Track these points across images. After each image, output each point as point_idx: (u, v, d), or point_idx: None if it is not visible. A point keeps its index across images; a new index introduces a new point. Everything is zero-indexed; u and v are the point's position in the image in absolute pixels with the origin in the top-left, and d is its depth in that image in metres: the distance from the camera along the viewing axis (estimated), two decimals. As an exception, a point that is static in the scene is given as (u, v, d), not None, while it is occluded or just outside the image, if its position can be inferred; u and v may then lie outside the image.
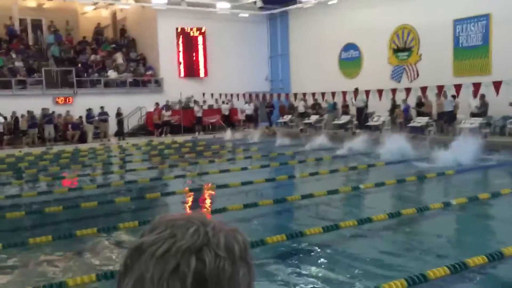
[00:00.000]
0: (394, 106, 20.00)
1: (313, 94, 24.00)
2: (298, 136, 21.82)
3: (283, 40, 29.14)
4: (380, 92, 20.39)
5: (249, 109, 26.03)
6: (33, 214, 8.90)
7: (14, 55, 25.24)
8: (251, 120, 26.13)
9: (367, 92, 21.10)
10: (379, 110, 20.90)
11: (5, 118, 21.06)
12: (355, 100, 21.75)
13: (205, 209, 8.64)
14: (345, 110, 22.62)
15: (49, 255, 6.68)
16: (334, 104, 23.47)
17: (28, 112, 21.47)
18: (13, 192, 11.25)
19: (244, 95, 26.36)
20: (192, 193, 10.27)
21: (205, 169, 13.35)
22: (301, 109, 24.91)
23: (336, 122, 22.74)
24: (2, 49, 25.49)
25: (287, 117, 25.66)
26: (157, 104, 24.48)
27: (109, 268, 5.88)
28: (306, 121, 23.60)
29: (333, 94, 22.80)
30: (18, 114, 21.42)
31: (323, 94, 23.51)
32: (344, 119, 22.44)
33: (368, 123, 20.74)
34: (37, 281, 5.68)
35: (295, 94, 25.70)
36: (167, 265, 0.65)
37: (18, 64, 24.55)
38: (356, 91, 21.73)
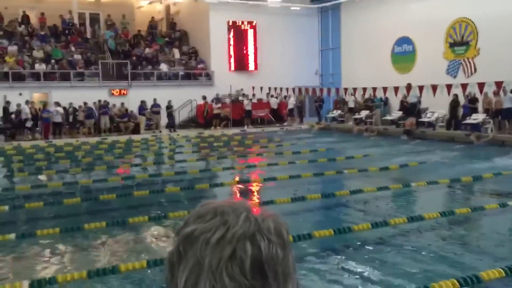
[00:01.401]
0: (456, 103, 19.11)
1: (364, 89, 23.58)
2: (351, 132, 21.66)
3: (334, 33, 28.76)
4: (434, 87, 19.77)
5: (290, 103, 26.01)
6: (88, 201, 9.27)
7: (73, 48, 26.27)
8: (292, 114, 26.09)
9: (421, 88, 20.50)
10: (433, 106, 20.26)
11: (64, 108, 21.99)
12: (408, 95, 21.19)
13: (253, 201, 8.70)
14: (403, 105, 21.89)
15: (103, 240, 6.95)
16: (386, 100, 22.97)
17: (85, 103, 22.33)
18: (70, 180, 11.75)
19: (293, 89, 26.27)
20: (240, 185, 10.36)
21: (253, 162, 13.44)
22: (351, 104, 24.57)
23: (387, 118, 22.27)
24: (62, 42, 26.58)
25: (336, 112, 25.39)
26: (204, 97, 24.85)
27: (158, 256, 6.04)
28: (356, 116, 23.25)
29: (385, 89, 22.29)
30: (75, 105, 22.31)
31: (374, 89, 23.05)
32: (395, 115, 21.92)
33: (421, 119, 20.17)
34: (90, 265, 5.92)
35: (346, 89, 25.34)
36: (224, 251, 0.67)
37: (77, 56, 25.54)
38: (409, 87, 21.16)
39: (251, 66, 28.07)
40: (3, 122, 21.02)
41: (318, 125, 24.74)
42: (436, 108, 20.16)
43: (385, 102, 23.01)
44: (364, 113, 23.07)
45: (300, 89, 26.42)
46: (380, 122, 22.34)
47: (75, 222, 7.69)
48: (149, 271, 5.54)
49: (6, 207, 8.70)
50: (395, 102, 22.69)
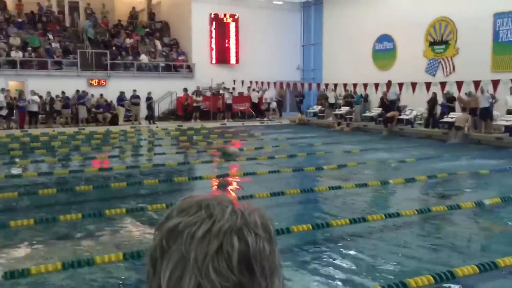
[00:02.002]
0: (434, 101, 19.36)
1: (345, 85, 23.71)
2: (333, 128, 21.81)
3: (316, 29, 28.81)
4: (414, 85, 19.99)
5: (266, 97, 26.17)
6: (64, 192, 9.10)
7: (51, 36, 25.75)
8: (268, 108, 26.23)
9: (400, 85, 20.71)
10: (412, 103, 20.51)
11: (40, 97, 21.56)
12: (388, 92, 21.40)
13: (232, 195, 8.67)
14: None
15: (78, 232, 6.84)
16: (366, 96, 23.15)
17: (63, 92, 21.95)
18: (46, 170, 11.54)
19: (275, 83, 26.27)
20: (219, 178, 10.31)
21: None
22: (331, 99, 24.70)
23: (366, 114, 22.46)
24: (39, 30, 26.04)
25: (317, 107, 25.49)
26: (185, 90, 24.69)
27: (134, 248, 5.97)
28: (336, 112, 23.38)
29: (365, 85, 22.47)
30: (53, 95, 21.90)
31: (355, 85, 23.20)
32: (375, 111, 22.12)
33: (400, 116, 20.40)
34: (65, 257, 5.82)
35: (326, 85, 25.44)
36: (210, 245, 0.65)
37: (55, 45, 25.05)
38: (389, 84, 21.36)
39: (233, 59, 27.94)
40: (-23, 110, 20.51)
41: (301, 117, 24.78)
42: (415, 106, 20.41)
43: (365, 98, 23.18)
44: (344, 109, 23.23)
45: (281, 84, 26.43)
46: (360, 118, 22.53)
47: (50, 213, 7.55)
48: (124, 264, 5.48)
49: (16, 193, 8.54)
50: (375, 98, 22.88)
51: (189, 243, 0.66)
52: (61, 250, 6.24)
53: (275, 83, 26.36)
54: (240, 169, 11.56)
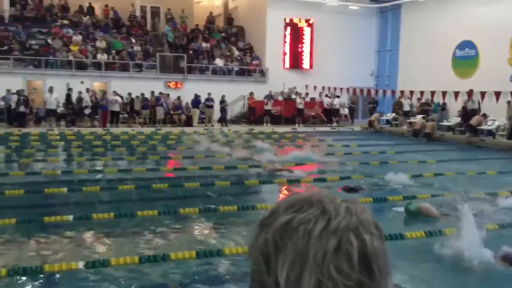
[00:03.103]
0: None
1: (422, 93, 22.90)
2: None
3: (393, 35, 28.11)
4: (497, 94, 18.93)
5: (335, 103, 25.76)
6: (141, 189, 9.51)
7: (133, 40, 27.07)
8: (335, 114, 25.79)
9: (482, 94, 19.70)
10: (493, 113, 19.41)
11: (121, 98, 22.71)
12: (469, 101, 20.43)
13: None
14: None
15: (154, 228, 7.12)
16: (444, 105, 22.23)
17: (142, 94, 23.00)
18: (125, 167, 12.13)
19: (348, 89, 25.94)
20: (290, 183, 10.31)
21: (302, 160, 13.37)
22: (406, 107, 23.97)
23: (444, 123, 21.56)
24: (123, 34, 27.46)
25: (390, 115, 24.83)
26: (251, 93, 25.04)
27: (207, 247, 6.14)
28: (411, 120, 22.65)
29: (444, 94, 21.58)
30: (133, 95, 23.00)
31: (432, 93, 22.35)
32: (453, 121, 21.19)
33: (481, 127, 19.40)
34: (141, 251, 6.09)
35: (402, 92, 24.72)
36: (328, 243, 0.64)
37: (136, 48, 26.30)
38: (470, 92, 20.39)
39: (306, 64, 27.91)
40: (65, 108, 21.96)
41: (373, 125, 24.25)
42: (497, 116, 19.31)
43: (443, 107, 22.26)
44: (419, 117, 22.43)
45: (354, 90, 26.04)
46: (437, 127, 21.64)
47: (128, 208, 7.94)
48: (197, 261, 5.64)
49: (65, 189, 9.11)
50: (453, 107, 21.92)
51: (307, 240, 0.65)
52: (137, 244, 6.54)
53: (348, 89, 26.01)
54: (309, 173, 11.51)
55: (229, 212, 7.61)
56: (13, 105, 20.72)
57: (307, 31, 27.89)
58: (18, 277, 5.04)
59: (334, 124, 25.47)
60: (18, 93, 20.96)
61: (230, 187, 9.86)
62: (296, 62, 27.76)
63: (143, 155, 14.25)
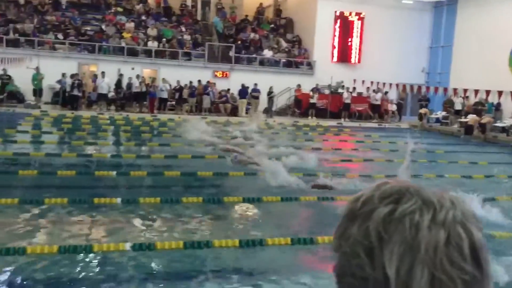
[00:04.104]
0: None
1: (476, 91, 22.07)
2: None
3: (447, 30, 27.18)
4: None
5: (376, 98, 25.17)
6: (187, 175, 9.65)
7: (183, 29, 27.43)
8: (376, 110, 25.22)
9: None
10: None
11: (170, 85, 23.12)
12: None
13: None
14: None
15: (198, 214, 7.23)
16: (498, 105, 21.36)
17: (190, 82, 23.34)
18: (171, 153, 12.32)
19: (397, 85, 25.35)
20: (334, 178, 10.19)
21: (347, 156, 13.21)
22: (458, 106, 23.19)
23: (497, 124, 20.71)
24: (174, 22, 27.89)
25: (440, 113, 24.11)
26: (298, 86, 24.86)
27: (250, 237, 6.17)
28: (462, 119, 21.89)
29: (500, 93, 20.71)
30: (181, 83, 23.35)
31: (487, 92, 21.49)
32: (508, 122, 20.33)
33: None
34: (186, 236, 6.20)
35: (455, 89, 23.89)
36: (438, 235, 0.63)
37: (186, 37, 26.64)
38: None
39: (354, 58, 27.47)
40: (116, 94, 22.57)
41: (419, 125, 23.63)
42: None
43: (497, 107, 21.39)
44: (471, 117, 21.64)
45: (404, 86, 25.43)
46: (490, 128, 20.83)
47: (174, 194, 8.09)
48: (238, 250, 5.68)
49: (114, 173, 9.39)
50: (509, 108, 21.03)
51: (415, 233, 0.63)
52: (182, 229, 6.67)
53: (397, 85, 25.42)
54: (354, 170, 11.35)
55: (270, 203, 7.61)
56: (68, 89, 21.47)
57: (357, 25, 27.41)
58: (69, 255, 5.24)
59: (384, 120, 24.99)
60: (73, 77, 21.71)
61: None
62: (344, 56, 27.37)
63: (188, 142, 14.45)
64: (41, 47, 23.63)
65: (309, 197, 8.11)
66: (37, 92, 21.63)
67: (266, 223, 7.21)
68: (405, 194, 0.67)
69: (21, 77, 21.37)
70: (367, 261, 0.65)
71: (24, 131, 15.00)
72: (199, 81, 23.74)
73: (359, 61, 27.37)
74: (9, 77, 21.42)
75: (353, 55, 27.45)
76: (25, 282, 4.71)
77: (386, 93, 25.60)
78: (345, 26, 27.28)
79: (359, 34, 27.39)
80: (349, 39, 27.34)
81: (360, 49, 27.40)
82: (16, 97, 21.61)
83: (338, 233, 0.69)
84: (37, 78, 21.54)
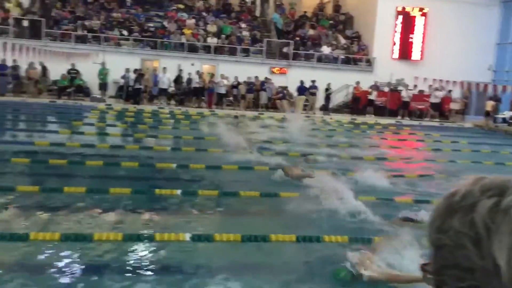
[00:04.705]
0: None
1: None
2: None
3: (517, 26, 25.85)
4: None
5: (436, 95, 24.25)
6: (243, 169, 9.73)
7: (242, 25, 27.70)
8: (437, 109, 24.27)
9: None
10: None
11: (228, 81, 23.44)
12: None
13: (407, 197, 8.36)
14: None
15: (256, 208, 7.30)
16: None
17: (248, 78, 23.55)
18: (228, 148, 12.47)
19: (461, 83, 24.40)
20: (393, 178, 9.98)
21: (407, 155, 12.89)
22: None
23: None
24: (233, 19, 28.21)
25: (507, 113, 22.99)
26: (357, 83, 24.44)
27: (309, 233, 6.18)
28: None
29: None
30: (239, 79, 23.60)
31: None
32: None
33: None
34: (242, 229, 6.29)
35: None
36: None
37: (245, 33, 26.88)
38: None
39: (416, 55, 26.71)
40: (176, 89, 23.16)
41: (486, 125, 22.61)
42: None
43: None
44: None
45: (469, 84, 24.44)
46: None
47: (232, 187, 8.22)
48: (295, 245, 5.70)
49: (174, 165, 9.66)
50: None
51: None
52: (239, 223, 6.78)
53: (461, 83, 24.47)
54: (414, 169, 11.08)
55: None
56: (131, 83, 22.27)
57: (419, 21, 26.63)
58: (132, 243, 5.47)
59: (446, 120, 24.16)
60: (136, 72, 22.49)
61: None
62: (405, 53, 26.67)
63: (246, 137, 14.59)
64: (107, 43, 24.64)
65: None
66: (103, 86, 22.59)
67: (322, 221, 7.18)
68: (508, 188, 0.69)
69: (88, 71, 22.41)
70: (475, 251, 0.67)
71: (90, 123, 15.76)
72: (256, 77, 23.90)
73: (421, 58, 26.59)
74: (77, 72, 22.48)
75: (414, 52, 26.70)
76: (92, 267, 4.97)
77: (450, 91, 24.69)
78: (406, 22, 26.56)
79: (421, 30, 26.59)
80: (411, 35, 26.61)
81: (422, 46, 26.60)
82: (83, 91, 22.66)
83: (435, 228, 0.71)
84: (102, 72, 22.50)
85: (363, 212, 6.63)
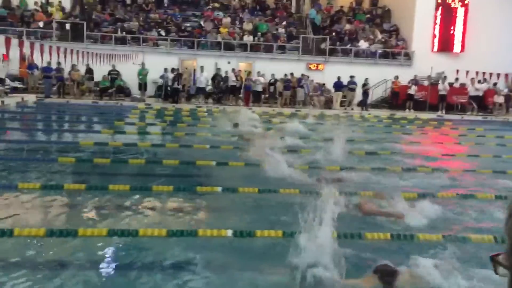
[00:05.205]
0: None
1: None
2: None
3: None
4: None
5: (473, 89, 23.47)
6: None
7: (278, 22, 27.69)
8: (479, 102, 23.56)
9: None
10: None
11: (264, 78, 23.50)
12: None
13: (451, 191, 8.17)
14: None
15: (296, 205, 7.30)
16: None
17: (285, 75, 23.52)
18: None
19: (506, 75, 23.60)
20: (436, 173, 9.78)
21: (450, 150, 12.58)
22: None
23: None
24: (268, 16, 28.23)
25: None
26: (396, 77, 23.99)
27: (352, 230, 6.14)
28: None
29: None
30: (276, 77, 23.61)
31: None
32: None
33: None
34: (283, 226, 6.31)
35: None
36: None
37: (281, 30, 26.85)
38: None
39: (457, 47, 26.00)
40: (213, 87, 23.40)
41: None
42: None
43: None
44: None
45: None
46: None
47: (271, 184, 8.24)
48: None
49: (214, 163, 9.77)
50: None
51: None
52: (280, 219, 6.79)
53: (506, 75, 23.68)
54: (458, 164, 10.81)
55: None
56: (169, 83, 22.64)
57: (460, 12, 25.91)
58: (176, 238, 5.59)
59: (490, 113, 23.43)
60: (173, 71, 22.85)
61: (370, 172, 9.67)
62: (446, 45, 26.01)
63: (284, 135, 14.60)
64: (145, 43, 25.13)
65: None
66: (142, 86, 23.07)
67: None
68: None
69: (127, 72, 22.94)
70: None
71: (131, 123, 16.13)
72: (292, 74, 23.85)
73: (462, 50, 25.85)
74: (118, 73, 23.04)
75: (456, 44, 25.99)
76: (138, 262, 5.11)
77: (495, 84, 23.91)
78: (447, 13, 25.89)
79: (462, 22, 25.86)
80: (452, 27, 25.91)
81: (463, 38, 25.86)
82: (123, 91, 23.21)
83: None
84: (142, 73, 22.98)
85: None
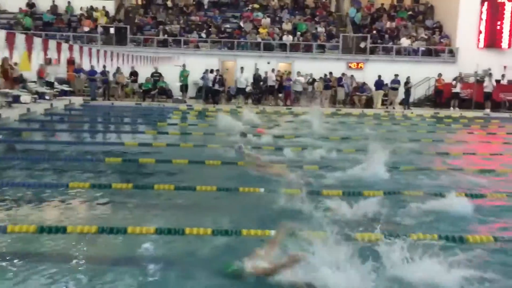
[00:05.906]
0: None
1: None
2: None
3: None
4: None
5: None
6: (324, 168, 9.69)
7: (317, 21, 27.54)
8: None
9: None
10: None
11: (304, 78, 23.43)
12: None
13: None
14: None
15: (336, 206, 7.26)
16: None
17: (325, 75, 23.40)
18: (309, 144, 12.48)
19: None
20: (481, 174, 9.51)
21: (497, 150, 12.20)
22: None
23: None
24: (308, 15, 28.13)
25: None
26: (439, 75, 23.41)
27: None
28: None
29: None
30: (315, 76, 23.51)
31: None
32: None
33: None
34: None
35: None
36: None
37: (320, 29, 26.70)
38: None
39: (505, 43, 25.13)
40: (253, 88, 23.52)
41: None
42: None
43: None
44: None
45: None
46: None
47: (313, 186, 8.23)
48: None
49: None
50: None
51: None
52: (325, 220, 6.78)
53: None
54: (506, 164, 10.47)
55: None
56: (210, 84, 22.94)
57: (508, 6, 25.06)
58: (220, 237, 5.69)
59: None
60: (212, 72, 23.14)
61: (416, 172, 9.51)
62: (492, 41, 25.19)
63: (324, 135, 14.54)
64: (186, 46, 25.55)
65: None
66: (183, 88, 23.47)
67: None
68: None
69: (169, 74, 23.39)
70: None
71: (174, 124, 16.45)
72: (331, 73, 23.68)
73: (510, 46, 24.98)
74: (160, 75, 23.53)
75: (503, 40, 25.13)
76: (183, 259, 5.24)
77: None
78: (493, 8, 25.09)
79: (510, 16, 24.99)
80: (498, 22, 25.07)
81: (511, 33, 24.99)
82: (166, 92, 23.67)
83: None
84: (183, 75, 23.38)
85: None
